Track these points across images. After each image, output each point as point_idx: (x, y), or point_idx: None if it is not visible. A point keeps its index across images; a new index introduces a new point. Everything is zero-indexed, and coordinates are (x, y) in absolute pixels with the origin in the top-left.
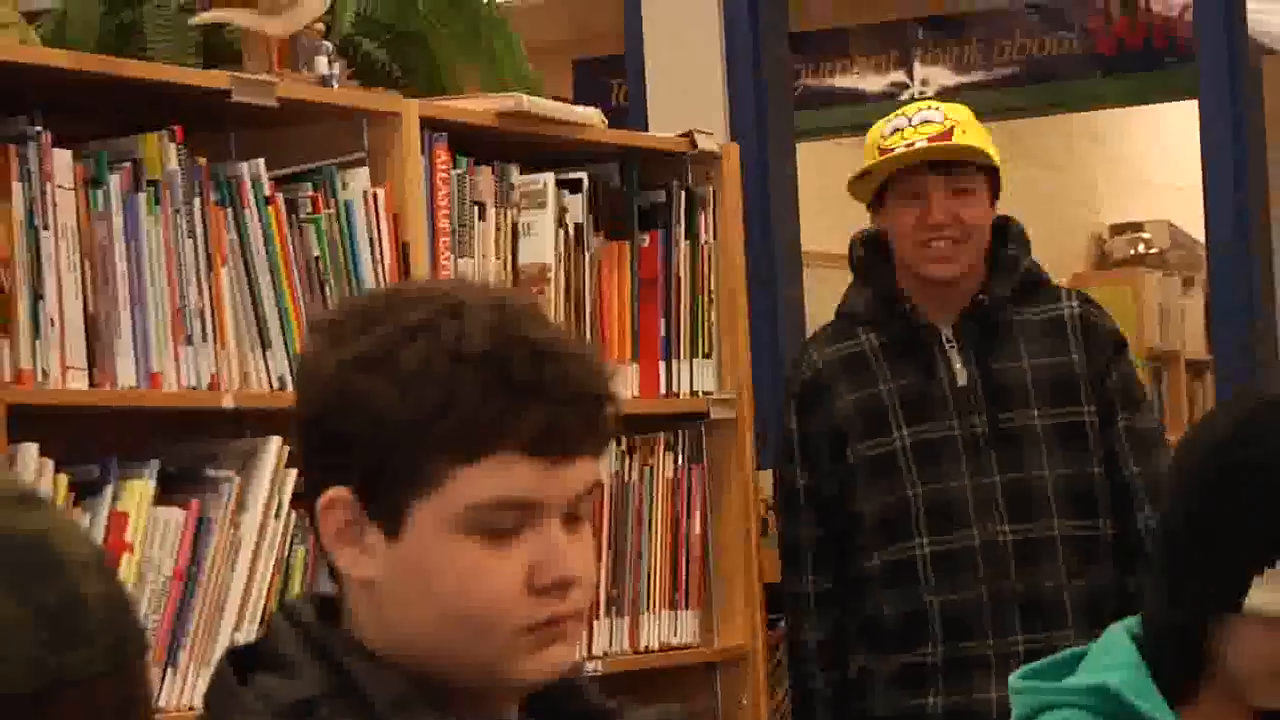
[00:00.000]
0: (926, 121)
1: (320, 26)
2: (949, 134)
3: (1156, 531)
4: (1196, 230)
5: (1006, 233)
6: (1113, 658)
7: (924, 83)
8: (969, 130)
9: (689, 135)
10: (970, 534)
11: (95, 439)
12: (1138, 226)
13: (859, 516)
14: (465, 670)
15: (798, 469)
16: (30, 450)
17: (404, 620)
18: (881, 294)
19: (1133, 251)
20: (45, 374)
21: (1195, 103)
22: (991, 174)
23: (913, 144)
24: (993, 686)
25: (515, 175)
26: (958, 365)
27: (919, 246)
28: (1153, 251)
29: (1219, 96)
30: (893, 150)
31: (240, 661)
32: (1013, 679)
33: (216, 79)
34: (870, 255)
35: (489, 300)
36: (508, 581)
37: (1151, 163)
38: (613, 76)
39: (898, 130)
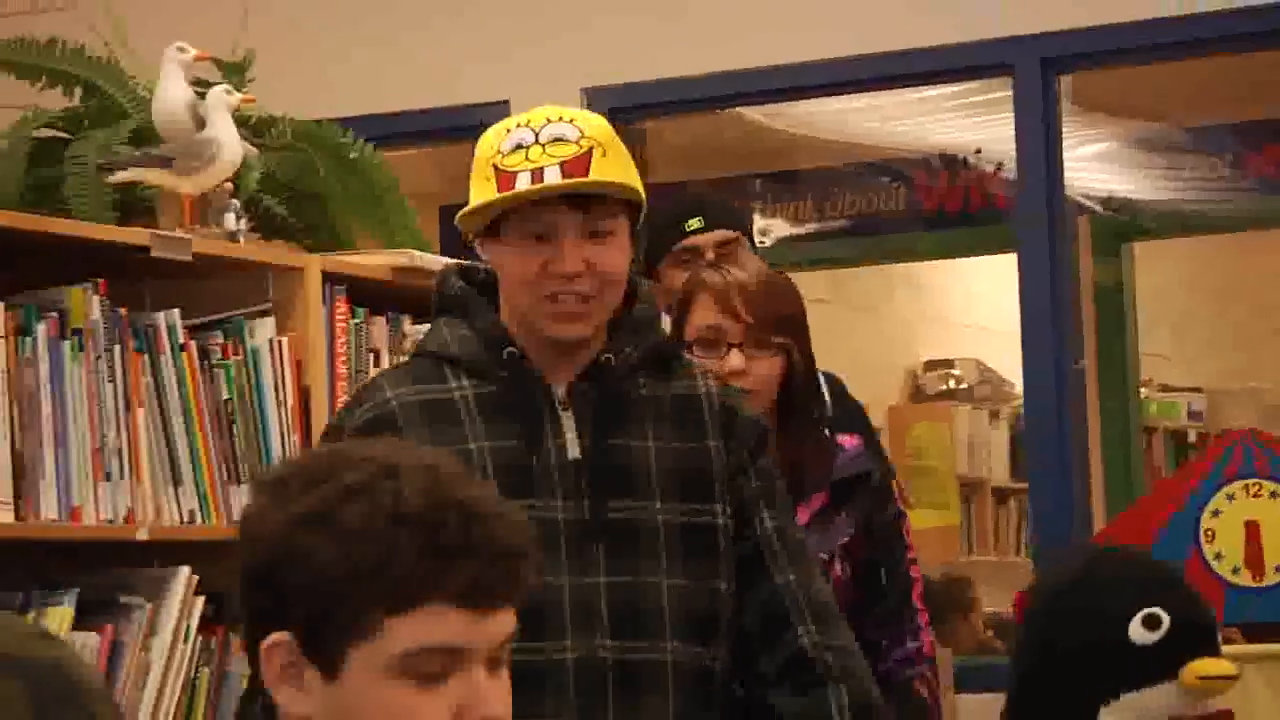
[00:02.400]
0: (559, 140)
1: (229, 185)
2: (587, 159)
3: (1010, 673)
4: (1002, 368)
5: (636, 287)
6: None
7: (762, 233)
8: (610, 151)
9: None
10: (564, 645)
11: (19, 567)
12: (949, 364)
13: None
14: None
15: None
16: None
17: None
18: (487, 336)
19: (944, 387)
20: None
21: (1003, 256)
22: (634, 210)
23: (540, 170)
24: None
25: (407, 324)
26: (570, 434)
27: (543, 300)
28: (962, 387)
29: (1037, 250)
30: (512, 172)
31: None
32: None
33: (137, 235)
34: (469, 289)
35: (422, 464)
36: None
37: (962, 307)
38: None
39: (521, 148)
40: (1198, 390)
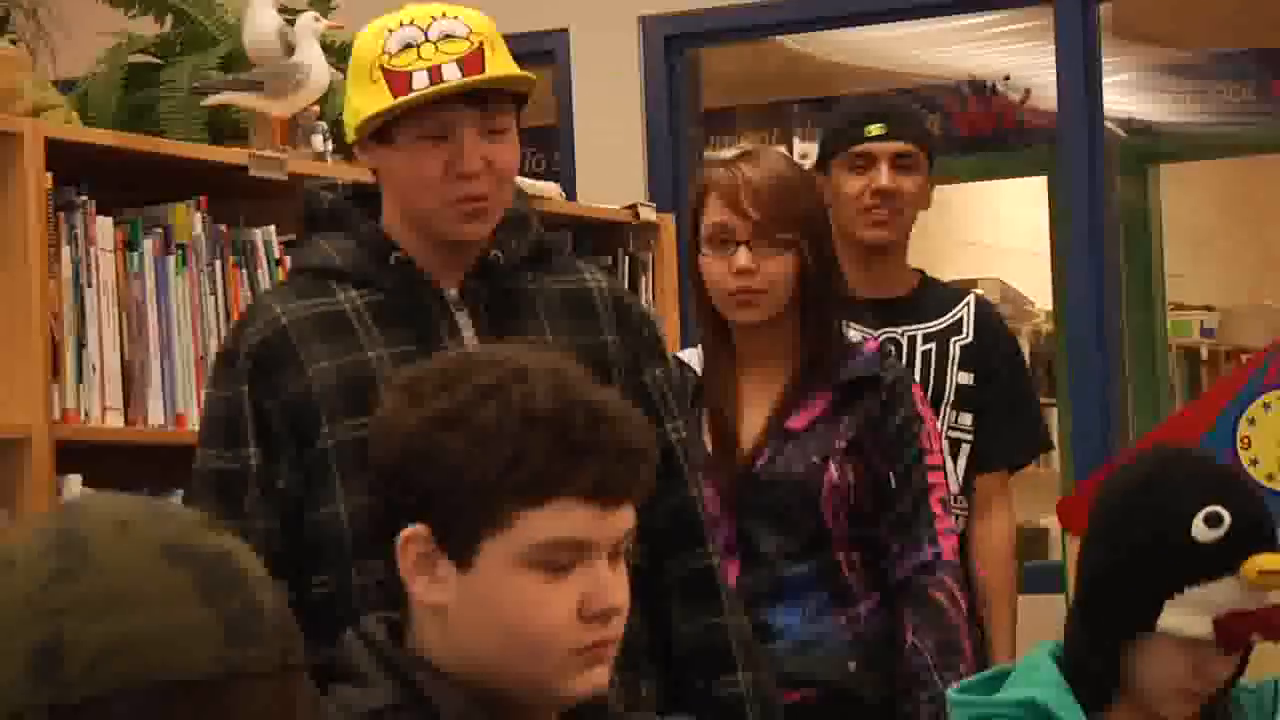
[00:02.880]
0: (449, 37)
1: (316, 108)
2: (481, 55)
3: (1079, 565)
4: (1023, 287)
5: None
6: (1037, 675)
7: (803, 156)
8: (497, 45)
9: (633, 208)
10: None
11: (130, 471)
12: (972, 283)
13: (332, 521)
14: (520, 686)
15: (251, 449)
16: (74, 481)
17: (470, 641)
18: (370, 244)
19: None
20: (87, 414)
21: (1028, 180)
22: (519, 104)
23: (438, 69)
24: None
25: None
26: (468, 333)
27: (450, 203)
28: None
29: (1079, 175)
30: (406, 72)
31: (317, 674)
32: (950, 693)
33: (236, 155)
34: (343, 201)
35: (548, 366)
36: (562, 610)
37: (986, 229)
38: (528, 147)
39: (411, 47)
40: (1210, 309)
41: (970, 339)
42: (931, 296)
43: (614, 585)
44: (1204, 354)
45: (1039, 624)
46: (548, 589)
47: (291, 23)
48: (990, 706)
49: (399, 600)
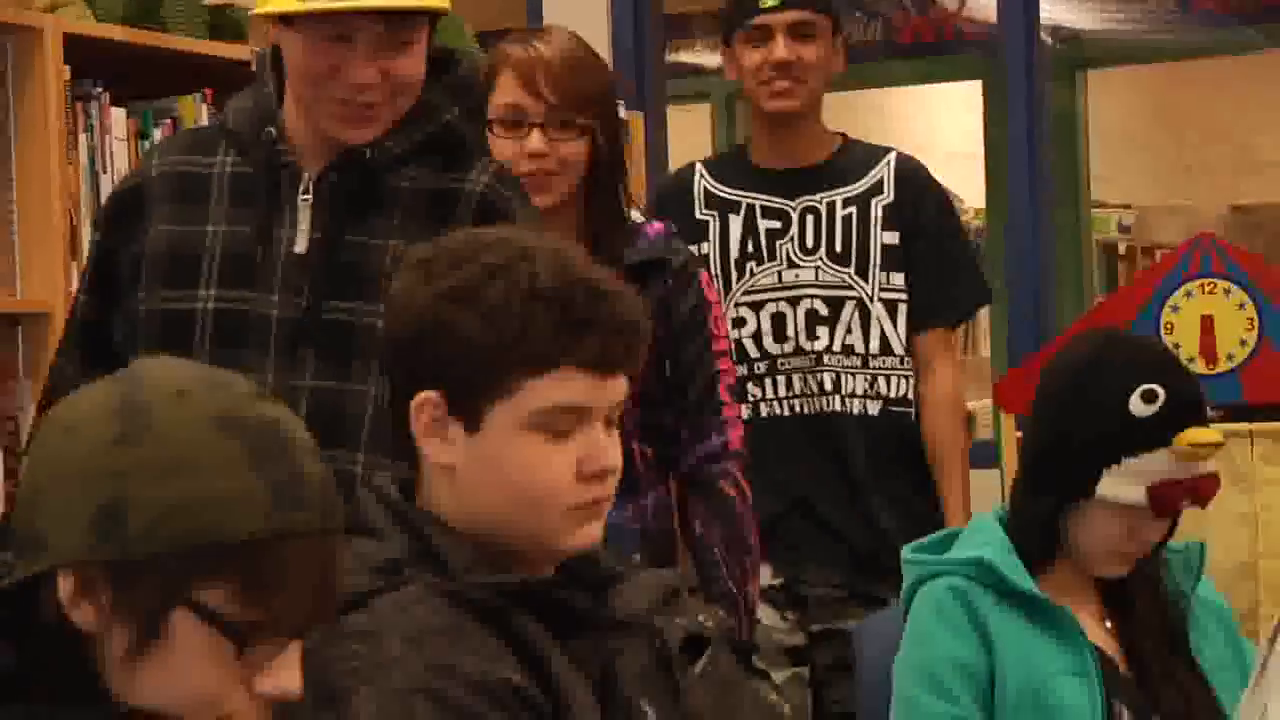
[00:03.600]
0: None
1: None
2: None
3: (1025, 436)
4: (955, 186)
5: (450, 68)
6: (983, 537)
7: None
8: None
9: None
10: None
11: None
12: None
13: None
14: (523, 539)
15: (84, 298)
16: None
17: (477, 498)
18: (258, 111)
19: None
20: None
21: (960, 84)
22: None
23: None
24: None
25: None
26: (302, 226)
27: (330, 102)
28: None
29: (1016, 81)
30: None
31: None
32: (904, 551)
33: (238, 51)
34: (265, 61)
35: (550, 246)
36: (562, 470)
37: (920, 131)
38: None
39: None
40: (1127, 207)
41: (891, 198)
42: (850, 160)
43: (609, 448)
44: (1121, 249)
45: (974, 494)
46: (549, 450)
47: None
48: (941, 565)
49: None
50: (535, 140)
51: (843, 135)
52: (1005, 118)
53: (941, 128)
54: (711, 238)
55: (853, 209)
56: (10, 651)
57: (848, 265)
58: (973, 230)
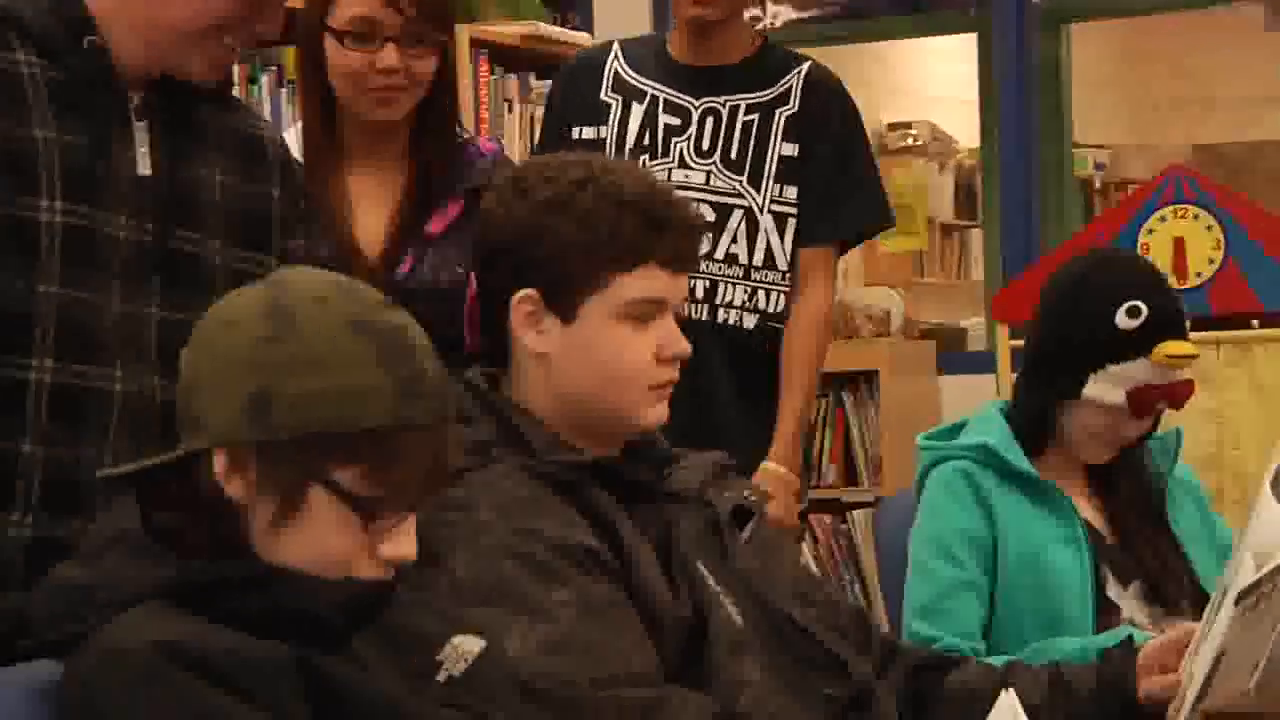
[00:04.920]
0: None
1: None
2: None
3: (1026, 341)
4: (949, 128)
5: None
6: (988, 426)
7: (774, 16)
8: None
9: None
10: (112, 375)
11: None
12: (907, 125)
13: None
14: (606, 416)
15: None
16: None
17: (569, 381)
18: (67, 16)
19: (903, 144)
20: None
21: (956, 37)
22: None
23: None
24: None
25: (532, 80)
26: (142, 149)
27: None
28: (917, 143)
29: (1007, 33)
30: None
31: None
32: (919, 439)
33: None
34: None
35: (621, 164)
36: (645, 352)
37: (918, 79)
38: None
39: None
40: (1102, 147)
41: (796, 108)
42: (763, 66)
43: (680, 336)
44: (1096, 184)
45: (971, 396)
46: (634, 336)
47: None
48: (950, 450)
49: None
50: (390, 55)
51: (764, 37)
52: (996, 68)
53: (939, 76)
54: (610, 122)
55: (755, 116)
56: (175, 516)
57: (740, 173)
58: (964, 167)
